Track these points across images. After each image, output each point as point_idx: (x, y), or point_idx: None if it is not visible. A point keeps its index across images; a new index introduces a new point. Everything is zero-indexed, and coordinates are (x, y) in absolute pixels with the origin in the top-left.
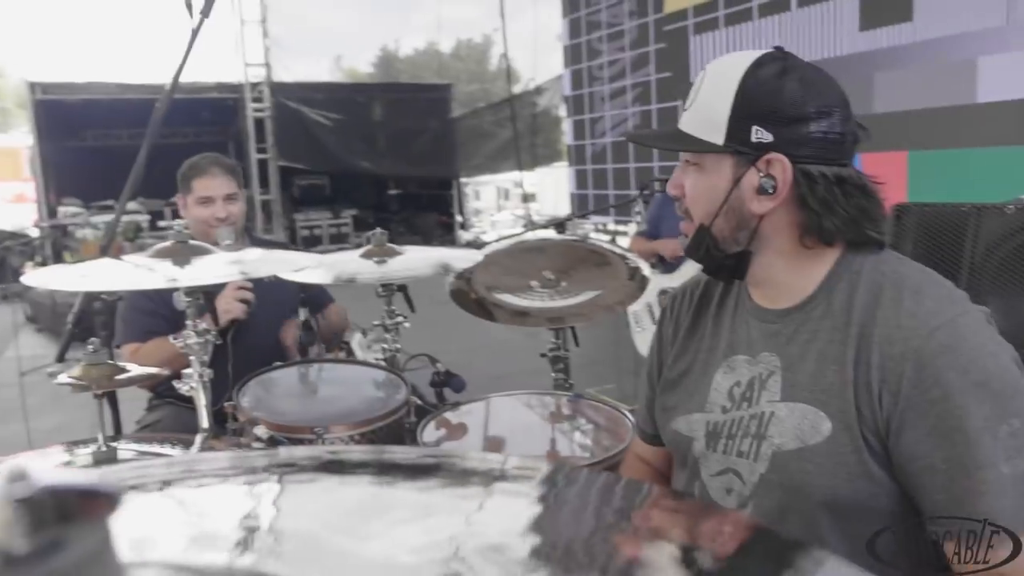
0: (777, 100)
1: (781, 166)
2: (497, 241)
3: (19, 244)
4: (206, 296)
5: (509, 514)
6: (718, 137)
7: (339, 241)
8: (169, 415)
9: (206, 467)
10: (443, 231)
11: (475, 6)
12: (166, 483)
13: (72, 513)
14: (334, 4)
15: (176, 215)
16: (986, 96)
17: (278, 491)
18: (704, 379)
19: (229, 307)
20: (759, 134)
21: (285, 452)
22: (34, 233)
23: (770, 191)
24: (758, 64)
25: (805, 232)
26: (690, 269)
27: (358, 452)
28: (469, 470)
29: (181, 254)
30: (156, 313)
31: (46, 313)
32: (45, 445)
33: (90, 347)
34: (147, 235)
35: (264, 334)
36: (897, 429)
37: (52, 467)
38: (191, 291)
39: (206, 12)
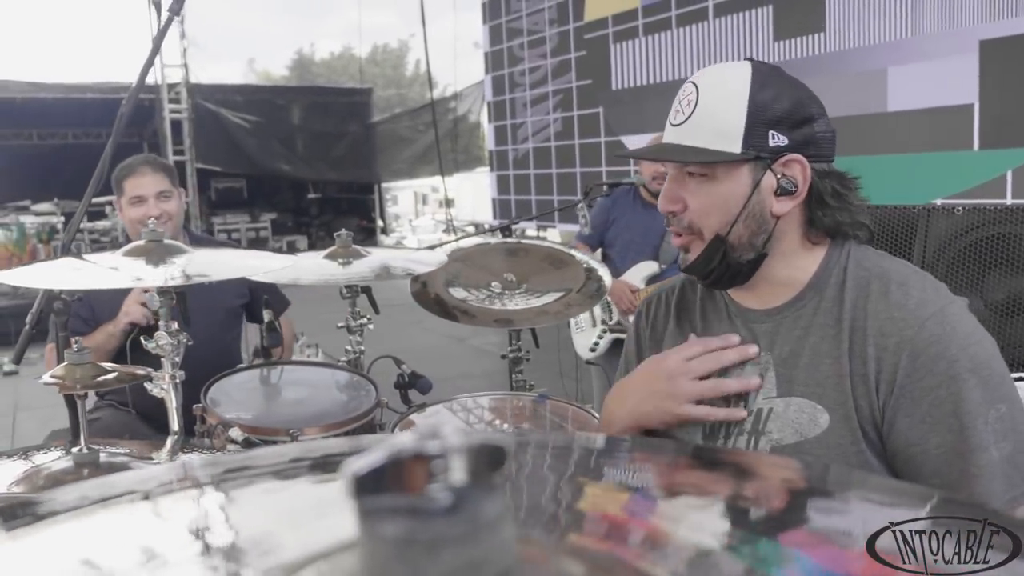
0: (787, 105)
1: (800, 166)
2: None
3: None
4: (180, 297)
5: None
6: (733, 146)
7: (258, 245)
8: (109, 416)
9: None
10: (364, 235)
11: (392, 12)
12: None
13: (477, 472)
14: (250, 6)
15: (96, 217)
16: (896, 105)
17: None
18: None
19: (129, 310)
20: (776, 138)
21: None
22: None
23: (792, 190)
24: (758, 73)
25: (810, 228)
26: (634, 275)
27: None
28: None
29: (155, 253)
30: (76, 315)
31: None
32: None
33: (74, 346)
34: (61, 237)
35: (205, 339)
36: (891, 417)
37: (453, 428)
38: (163, 291)
39: (175, 10)
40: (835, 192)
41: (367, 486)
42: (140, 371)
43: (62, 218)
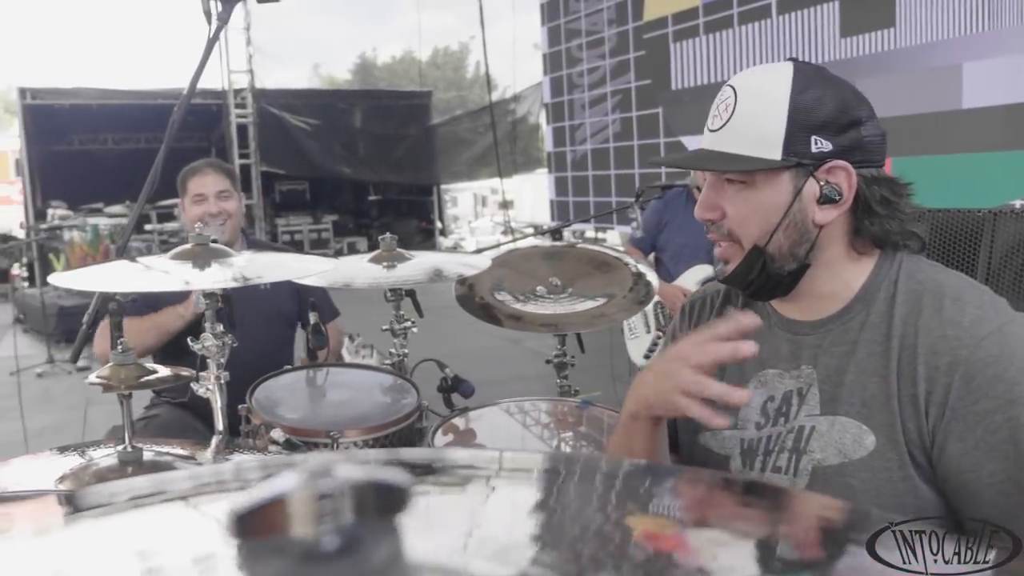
0: (831, 109)
1: (844, 173)
2: (504, 244)
3: (7, 246)
4: (226, 299)
5: (513, 512)
6: (773, 152)
7: (320, 246)
8: (166, 412)
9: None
10: (423, 237)
11: (452, 14)
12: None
13: (371, 510)
14: (314, 12)
15: (165, 219)
16: (971, 102)
17: None
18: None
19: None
20: (819, 144)
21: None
22: (21, 235)
23: (836, 199)
24: (800, 75)
25: (856, 237)
26: (688, 279)
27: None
28: (465, 468)
29: (201, 256)
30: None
31: (35, 314)
32: (36, 445)
33: (119, 348)
34: (133, 237)
35: (257, 341)
36: (942, 442)
37: (348, 462)
38: (209, 294)
39: (224, 19)
40: (884, 200)
41: (248, 526)
42: (184, 372)
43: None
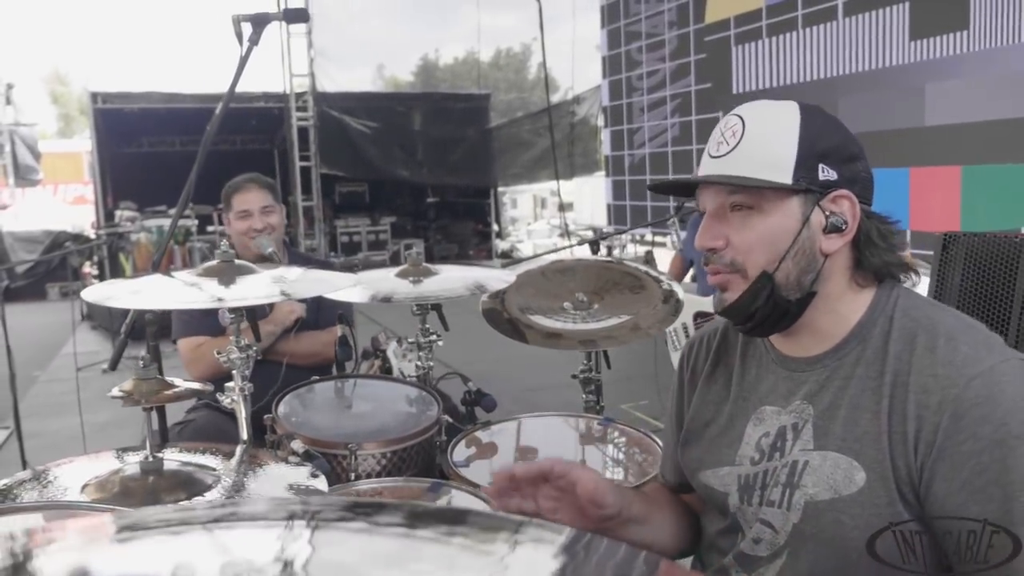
0: (837, 139)
1: (849, 202)
2: (532, 257)
3: (79, 245)
4: (249, 313)
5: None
6: (784, 176)
7: (377, 247)
8: (204, 417)
9: (243, 511)
10: (479, 239)
11: (514, 15)
12: (207, 524)
13: None
14: (377, 14)
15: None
16: None
17: (309, 535)
18: (731, 431)
19: (293, 307)
20: (826, 172)
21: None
22: (92, 235)
23: (841, 228)
24: (807, 107)
25: (858, 269)
26: None
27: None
28: (493, 526)
29: (227, 273)
30: (211, 313)
31: (101, 311)
32: (96, 440)
33: (140, 363)
34: (196, 239)
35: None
36: (928, 480)
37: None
38: (235, 309)
39: (255, 40)
40: (882, 232)
41: None
42: (199, 387)
43: (195, 221)
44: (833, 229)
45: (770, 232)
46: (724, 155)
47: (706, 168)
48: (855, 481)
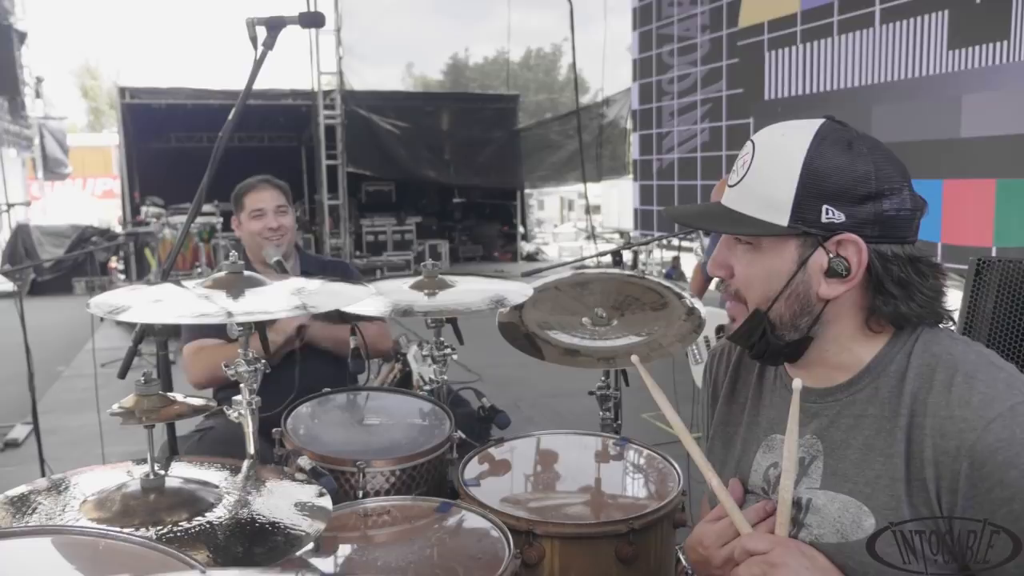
0: (848, 178)
1: (855, 247)
2: (556, 266)
3: (105, 240)
4: (258, 325)
5: None
6: (780, 218)
7: (402, 247)
8: (224, 424)
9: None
10: (505, 241)
11: (545, 15)
12: None
13: None
14: (407, 12)
15: None
16: None
17: None
18: (745, 457)
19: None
20: (830, 214)
21: None
22: (119, 230)
23: (843, 273)
24: (821, 137)
25: (872, 315)
26: None
27: None
28: None
29: (235, 286)
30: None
31: None
32: (115, 438)
33: (141, 379)
34: (220, 236)
35: (326, 357)
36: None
37: None
38: (242, 322)
39: (269, 44)
40: (900, 280)
41: None
42: (202, 403)
43: (221, 219)
44: (834, 274)
45: (766, 271)
46: (735, 185)
47: (725, 195)
48: (863, 527)
